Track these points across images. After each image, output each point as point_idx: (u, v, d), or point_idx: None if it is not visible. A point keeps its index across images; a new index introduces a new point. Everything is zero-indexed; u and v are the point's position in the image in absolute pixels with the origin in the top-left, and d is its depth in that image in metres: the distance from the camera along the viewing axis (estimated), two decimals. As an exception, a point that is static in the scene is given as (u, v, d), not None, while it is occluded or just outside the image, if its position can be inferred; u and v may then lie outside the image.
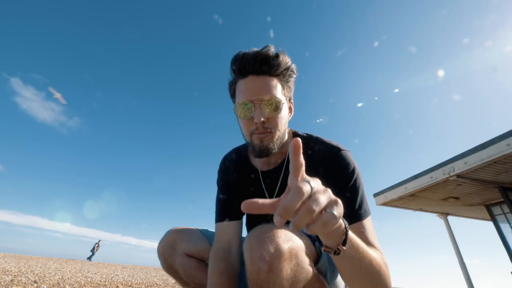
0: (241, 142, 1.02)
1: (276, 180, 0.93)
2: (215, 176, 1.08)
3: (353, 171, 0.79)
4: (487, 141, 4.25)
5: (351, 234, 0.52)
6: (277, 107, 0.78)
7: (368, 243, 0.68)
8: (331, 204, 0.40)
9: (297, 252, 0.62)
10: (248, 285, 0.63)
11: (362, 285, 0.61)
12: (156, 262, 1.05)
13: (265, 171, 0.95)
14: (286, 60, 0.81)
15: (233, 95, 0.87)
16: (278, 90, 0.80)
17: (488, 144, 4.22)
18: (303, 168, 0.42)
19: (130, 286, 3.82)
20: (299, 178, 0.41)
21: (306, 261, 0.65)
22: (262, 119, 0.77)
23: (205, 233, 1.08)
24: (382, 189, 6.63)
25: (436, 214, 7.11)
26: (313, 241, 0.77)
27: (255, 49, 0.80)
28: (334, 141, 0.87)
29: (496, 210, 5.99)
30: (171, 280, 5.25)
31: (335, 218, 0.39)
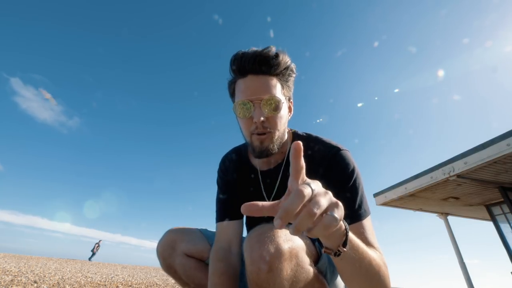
0: (241, 141, 1.02)
1: (275, 180, 0.93)
2: (215, 176, 1.08)
3: (353, 171, 0.79)
4: (487, 141, 4.25)
5: (351, 235, 0.52)
6: (276, 107, 0.78)
7: (368, 243, 0.68)
8: (332, 206, 0.40)
9: (297, 252, 0.62)
10: (248, 285, 0.63)
11: (362, 286, 0.61)
12: (156, 262, 1.05)
13: (265, 170, 0.95)
14: (285, 59, 0.80)
15: (232, 94, 0.87)
16: (278, 90, 0.80)
17: (488, 144, 4.22)
18: (304, 170, 0.42)
19: (130, 286, 3.82)
20: (300, 181, 0.41)
21: (306, 261, 0.65)
22: (262, 118, 0.77)
23: (204, 233, 1.08)
24: (382, 189, 6.63)
25: (436, 214, 7.11)
26: (313, 241, 0.77)
27: (255, 48, 0.80)
28: (334, 141, 0.87)
29: (496, 210, 5.99)
30: (171, 280, 5.25)
31: (336, 220, 0.39)
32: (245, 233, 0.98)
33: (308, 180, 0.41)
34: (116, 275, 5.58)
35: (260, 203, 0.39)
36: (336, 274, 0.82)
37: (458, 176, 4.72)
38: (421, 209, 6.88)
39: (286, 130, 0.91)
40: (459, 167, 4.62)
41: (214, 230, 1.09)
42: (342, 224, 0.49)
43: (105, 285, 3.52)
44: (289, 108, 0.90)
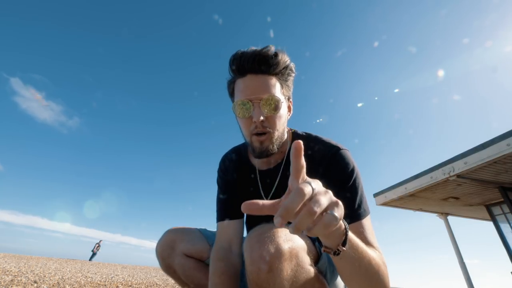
0: (241, 141, 1.02)
1: (275, 179, 0.92)
2: (215, 176, 1.07)
3: (353, 170, 0.79)
4: (487, 141, 4.25)
5: (350, 234, 0.52)
6: (276, 106, 0.78)
7: (367, 242, 0.68)
8: (332, 205, 0.40)
9: (297, 252, 0.62)
10: (248, 285, 0.62)
11: (361, 285, 0.61)
12: (156, 262, 1.05)
13: (265, 170, 0.95)
14: (284, 58, 0.80)
15: (231, 94, 0.87)
16: (277, 89, 0.80)
17: (488, 144, 4.22)
18: (304, 170, 0.42)
19: (130, 286, 3.81)
20: (300, 180, 0.41)
21: (306, 261, 0.65)
22: (261, 118, 0.77)
23: (203, 233, 1.08)
24: (382, 189, 6.63)
25: (436, 214, 7.11)
26: (313, 241, 0.77)
27: (254, 48, 0.80)
28: (334, 140, 0.87)
29: (496, 210, 5.99)
30: (171, 281, 5.25)
31: (336, 219, 0.39)
32: (245, 233, 0.98)
33: (309, 179, 0.41)
34: (116, 275, 5.58)
35: (261, 201, 0.39)
36: (336, 274, 0.82)
37: (458, 176, 4.72)
38: (421, 209, 6.88)
39: (286, 130, 0.91)
40: (459, 167, 4.62)
41: (214, 230, 1.09)
42: (342, 223, 0.49)
43: (105, 285, 3.52)
44: (289, 107, 0.90)
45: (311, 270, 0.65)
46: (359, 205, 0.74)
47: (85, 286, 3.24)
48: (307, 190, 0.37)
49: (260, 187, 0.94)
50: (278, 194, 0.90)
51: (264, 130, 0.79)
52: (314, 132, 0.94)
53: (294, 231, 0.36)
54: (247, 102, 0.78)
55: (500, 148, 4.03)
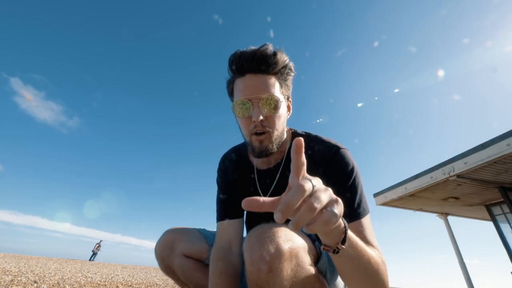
0: (241, 141, 1.02)
1: (275, 179, 0.92)
2: (215, 176, 1.07)
3: (352, 169, 0.78)
4: (487, 141, 4.25)
5: (350, 233, 0.52)
6: (275, 106, 0.78)
7: (367, 241, 0.68)
8: (332, 202, 0.40)
9: (297, 252, 0.62)
10: (248, 285, 0.62)
11: (361, 284, 0.61)
12: (156, 262, 1.05)
13: (265, 170, 0.95)
14: (284, 58, 0.80)
15: (231, 94, 0.87)
16: (276, 89, 0.79)
17: (488, 144, 4.22)
18: (305, 167, 0.42)
19: (130, 286, 3.81)
20: (301, 177, 0.41)
21: (306, 261, 0.64)
22: (261, 118, 0.77)
23: (203, 233, 1.08)
24: (382, 189, 6.63)
25: (436, 214, 7.11)
26: (313, 241, 0.77)
27: (253, 47, 0.80)
28: (333, 140, 0.86)
29: (496, 210, 5.99)
30: (171, 281, 5.23)
31: (335, 216, 0.39)
32: (245, 233, 0.97)
33: (309, 176, 0.41)
34: (116, 275, 5.58)
35: (261, 198, 0.39)
36: (336, 274, 0.81)
37: (458, 176, 4.72)
38: (421, 209, 6.88)
39: (285, 129, 0.90)
40: (459, 167, 4.62)
41: (213, 230, 1.08)
42: (341, 221, 0.49)
43: (105, 285, 3.52)
44: (288, 107, 0.90)
45: (311, 270, 0.65)
46: (359, 204, 0.74)
47: (85, 286, 3.24)
48: (308, 186, 0.37)
49: (260, 187, 0.94)
50: (278, 193, 0.89)
51: (264, 129, 0.79)
52: (314, 132, 0.94)
53: (294, 227, 0.36)
54: (246, 101, 0.78)
55: (500, 148, 4.03)
